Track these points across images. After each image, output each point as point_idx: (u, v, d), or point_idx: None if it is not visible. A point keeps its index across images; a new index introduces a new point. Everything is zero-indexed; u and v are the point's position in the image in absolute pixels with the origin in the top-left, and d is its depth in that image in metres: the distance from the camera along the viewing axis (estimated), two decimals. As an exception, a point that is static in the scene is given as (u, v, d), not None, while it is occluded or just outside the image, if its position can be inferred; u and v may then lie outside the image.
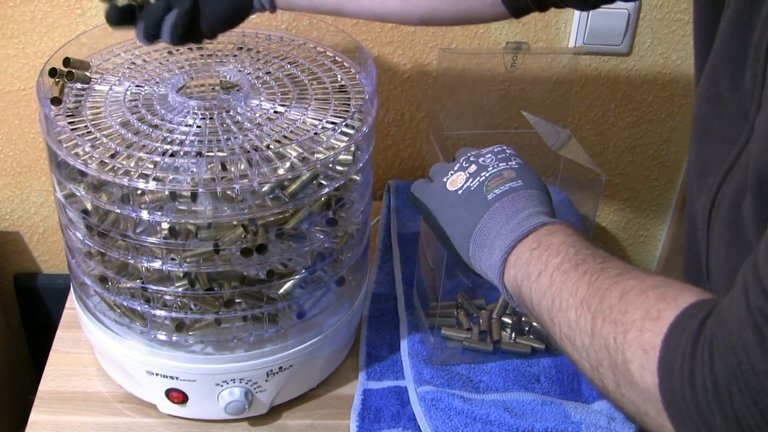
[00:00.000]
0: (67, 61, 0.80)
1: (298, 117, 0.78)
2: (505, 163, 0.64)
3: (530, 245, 0.57)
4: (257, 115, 0.78)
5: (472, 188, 0.63)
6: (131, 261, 0.75)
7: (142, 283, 0.76)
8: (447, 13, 0.76)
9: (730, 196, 0.51)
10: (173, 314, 0.77)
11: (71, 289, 0.91)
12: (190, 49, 0.89)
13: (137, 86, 0.82)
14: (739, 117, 0.51)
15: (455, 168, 0.66)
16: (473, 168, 0.65)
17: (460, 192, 0.64)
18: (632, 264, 0.52)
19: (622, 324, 0.47)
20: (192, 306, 0.78)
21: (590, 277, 0.51)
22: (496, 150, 0.66)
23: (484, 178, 0.63)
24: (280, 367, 0.81)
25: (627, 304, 0.47)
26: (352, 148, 0.77)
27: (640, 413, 0.46)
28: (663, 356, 0.44)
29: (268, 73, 0.85)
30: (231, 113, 0.78)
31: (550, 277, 0.54)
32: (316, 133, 0.76)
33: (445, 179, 0.66)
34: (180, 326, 0.78)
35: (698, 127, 0.58)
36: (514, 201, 0.61)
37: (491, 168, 0.64)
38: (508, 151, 0.66)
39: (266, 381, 0.81)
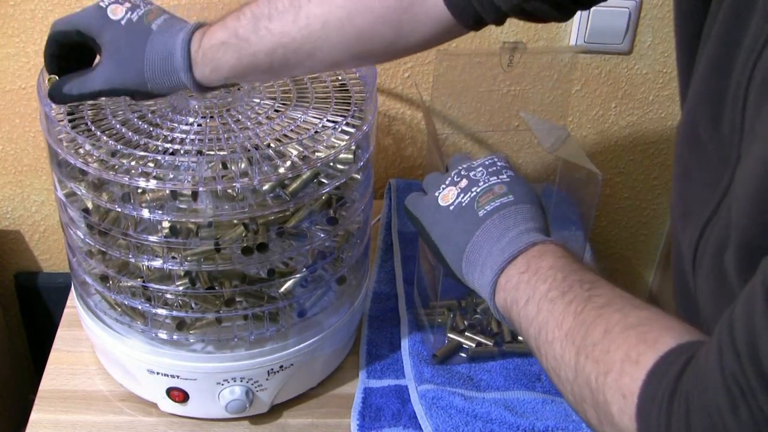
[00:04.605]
0: None
1: (299, 116, 0.78)
2: (496, 177, 0.64)
3: (519, 268, 0.57)
4: (258, 113, 0.78)
5: (464, 204, 0.63)
6: (132, 260, 0.75)
7: (143, 281, 0.76)
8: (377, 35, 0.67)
9: (712, 246, 0.51)
10: (174, 313, 0.77)
11: (72, 287, 0.91)
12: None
13: (138, 85, 0.82)
14: (719, 161, 0.51)
15: (447, 182, 0.66)
16: (464, 183, 0.64)
17: (451, 208, 0.64)
18: (620, 289, 0.52)
19: (604, 364, 0.47)
20: (193, 305, 0.78)
21: (576, 308, 0.51)
22: (487, 163, 0.66)
23: (474, 193, 0.63)
24: (281, 366, 0.81)
25: (609, 342, 0.47)
26: (353, 147, 0.77)
27: None
28: (641, 404, 0.44)
29: (268, 71, 0.85)
30: (231, 112, 0.78)
31: (537, 305, 0.54)
32: (316, 132, 0.76)
33: (437, 194, 0.66)
34: (181, 325, 0.78)
35: (680, 168, 0.57)
36: (504, 218, 0.60)
37: (482, 183, 0.63)
38: (499, 164, 0.66)
39: (267, 380, 0.81)
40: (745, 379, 0.38)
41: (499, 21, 0.66)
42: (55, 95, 0.72)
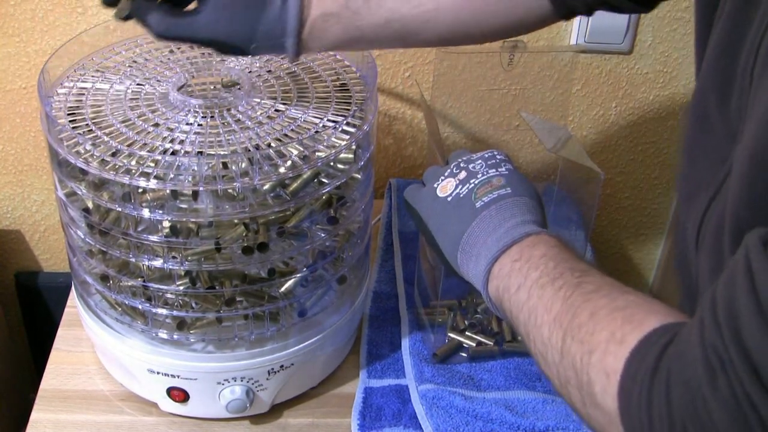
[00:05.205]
0: None
1: (299, 115, 0.78)
2: (495, 170, 0.64)
3: (512, 257, 0.58)
4: (258, 113, 0.78)
5: (461, 195, 0.63)
6: (132, 259, 0.75)
7: (144, 281, 0.76)
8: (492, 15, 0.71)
9: (714, 225, 0.51)
10: (174, 313, 0.77)
11: (72, 287, 0.91)
12: (191, 47, 0.89)
13: (138, 84, 0.82)
14: (726, 140, 0.51)
15: (445, 174, 0.66)
16: (463, 174, 0.65)
17: (449, 199, 0.64)
18: (611, 278, 0.52)
19: (589, 344, 0.47)
20: (193, 304, 0.78)
21: (565, 293, 0.52)
22: (486, 156, 0.66)
23: (473, 185, 0.63)
24: (281, 366, 0.81)
25: (595, 324, 0.48)
26: (353, 147, 0.77)
27: None
28: (623, 382, 0.44)
29: (269, 71, 0.85)
30: (232, 111, 0.78)
31: (528, 291, 0.55)
32: (317, 132, 0.76)
33: (435, 185, 0.66)
34: (181, 325, 0.78)
35: (688, 147, 0.57)
36: (501, 209, 0.61)
37: (480, 175, 0.64)
38: (498, 157, 0.66)
39: (267, 379, 0.81)
40: (725, 350, 0.38)
41: (588, 12, 0.72)
42: (140, 19, 0.67)
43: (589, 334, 0.47)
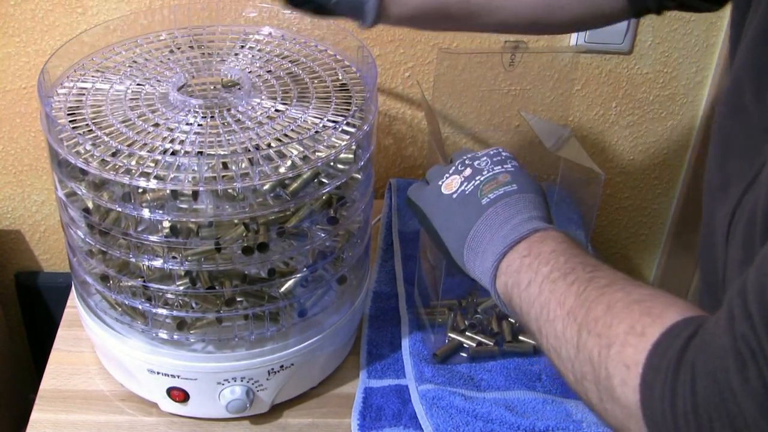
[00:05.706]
0: None
1: (299, 115, 0.78)
2: (500, 167, 0.64)
3: (521, 253, 0.57)
4: (258, 113, 0.78)
5: (467, 192, 0.63)
6: (132, 259, 0.75)
7: (144, 281, 0.76)
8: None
9: (746, 217, 0.51)
10: (174, 313, 0.77)
11: (72, 287, 0.91)
12: (191, 47, 0.89)
13: (138, 85, 0.82)
14: (763, 131, 0.50)
15: (450, 171, 0.66)
16: (468, 171, 0.64)
17: (454, 196, 0.64)
18: (622, 273, 0.52)
19: (606, 337, 0.47)
20: (193, 304, 0.78)
21: (578, 288, 0.51)
22: (491, 153, 0.66)
23: (478, 182, 0.63)
24: (282, 366, 0.81)
25: (612, 317, 0.47)
26: (353, 147, 0.76)
27: (623, 428, 0.46)
28: (645, 374, 0.44)
29: (269, 71, 0.85)
30: (232, 112, 0.78)
31: (539, 286, 0.54)
32: (317, 132, 0.76)
33: (440, 183, 0.66)
34: (181, 325, 0.78)
35: (720, 138, 0.57)
36: (507, 206, 0.61)
37: (486, 172, 0.64)
38: (503, 154, 0.66)
39: (267, 379, 0.81)
40: (757, 340, 0.38)
41: (658, 11, 0.73)
42: None
43: (606, 327, 0.47)
